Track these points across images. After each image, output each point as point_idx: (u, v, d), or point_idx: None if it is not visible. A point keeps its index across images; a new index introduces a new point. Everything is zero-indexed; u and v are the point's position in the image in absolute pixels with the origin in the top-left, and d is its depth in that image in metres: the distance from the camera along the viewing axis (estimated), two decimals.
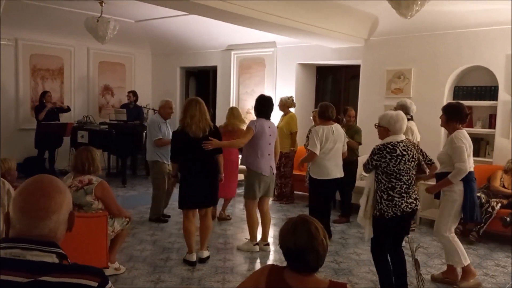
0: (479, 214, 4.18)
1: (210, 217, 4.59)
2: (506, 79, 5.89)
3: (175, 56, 9.91)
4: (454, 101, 4.32)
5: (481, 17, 5.88)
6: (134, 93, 9.01)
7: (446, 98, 6.45)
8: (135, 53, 10.02)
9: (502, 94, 5.95)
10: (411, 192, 3.54)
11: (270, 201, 5.33)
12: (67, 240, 1.42)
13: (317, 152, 4.95)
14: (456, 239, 4.05)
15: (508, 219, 5.00)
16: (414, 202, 3.55)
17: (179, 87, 10.05)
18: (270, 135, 4.79)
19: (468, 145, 3.93)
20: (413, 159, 3.53)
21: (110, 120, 8.70)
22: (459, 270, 4.12)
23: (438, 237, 4.18)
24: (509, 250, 5.14)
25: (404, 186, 3.49)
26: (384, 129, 3.58)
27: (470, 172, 3.97)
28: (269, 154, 4.79)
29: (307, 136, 6.79)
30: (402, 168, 3.46)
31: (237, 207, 6.74)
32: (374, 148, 3.56)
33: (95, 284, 1.28)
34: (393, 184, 3.48)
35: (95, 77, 9.45)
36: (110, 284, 1.33)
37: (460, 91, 6.46)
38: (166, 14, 7.59)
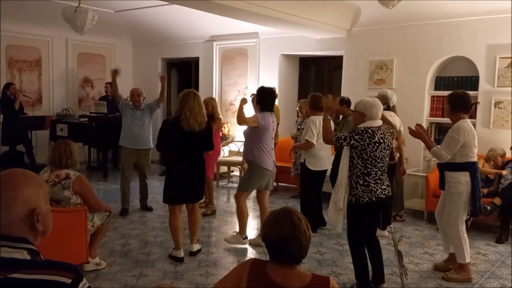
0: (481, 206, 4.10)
1: (198, 211, 4.54)
2: (487, 69, 5.95)
3: (157, 47, 9.76)
4: (459, 91, 4.15)
5: (462, 8, 5.91)
6: (110, 84, 8.83)
7: (428, 88, 6.49)
8: (116, 44, 9.83)
9: (483, 84, 6.01)
10: (384, 179, 3.60)
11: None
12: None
13: (314, 142, 4.98)
14: (465, 236, 4.01)
15: (488, 207, 5.06)
16: (387, 188, 3.62)
17: None
18: (273, 129, 4.72)
19: (471, 137, 3.87)
20: (388, 148, 3.58)
21: (90, 113, 8.54)
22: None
23: (450, 230, 4.07)
24: (489, 238, 5.22)
25: (379, 172, 3.54)
26: (360, 114, 3.59)
27: (474, 163, 3.94)
28: (272, 148, 4.71)
29: (298, 128, 6.77)
30: (378, 155, 3.49)
31: (221, 200, 6.70)
32: (357, 128, 3.53)
33: (69, 280, 1.23)
34: (369, 170, 3.51)
35: (74, 68, 9.24)
36: (85, 280, 1.28)
37: (441, 81, 6.50)
38: (147, 4, 7.46)
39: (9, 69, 8.31)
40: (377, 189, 3.52)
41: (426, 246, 4.98)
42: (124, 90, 9.33)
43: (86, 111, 8.82)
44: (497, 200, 5.16)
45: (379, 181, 3.53)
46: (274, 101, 4.75)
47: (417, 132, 3.96)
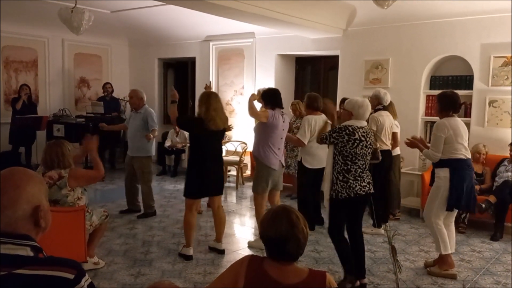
0: (471, 203, 4.10)
1: (222, 209, 4.62)
2: (481, 68, 6.00)
3: (153, 47, 9.77)
4: (448, 90, 4.27)
5: (456, 7, 5.96)
6: (110, 85, 8.88)
7: (423, 87, 6.53)
8: (112, 44, 9.83)
9: (477, 83, 6.06)
10: (365, 176, 3.67)
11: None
12: (44, 235, 1.38)
13: (306, 141, 5.03)
14: (441, 228, 4.07)
15: (483, 205, 5.11)
16: (368, 186, 3.68)
17: (157, 78, 9.93)
18: (283, 130, 4.71)
19: (453, 133, 3.93)
20: (370, 146, 3.67)
21: (87, 113, 8.55)
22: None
23: (426, 220, 4.26)
24: (484, 236, 5.27)
25: (359, 170, 3.62)
26: (348, 112, 3.70)
27: (459, 160, 3.97)
28: (279, 148, 4.69)
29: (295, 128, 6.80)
30: (358, 152, 3.58)
31: None
32: (335, 127, 3.70)
33: (71, 276, 1.26)
34: (349, 167, 3.60)
35: (70, 69, 9.24)
36: (87, 276, 1.31)
37: (436, 81, 6.55)
38: (143, 4, 7.47)
39: (5, 69, 8.30)
40: (356, 186, 3.60)
41: (421, 244, 5.02)
42: (120, 90, 9.40)
43: (83, 112, 8.82)
44: (492, 198, 5.21)
45: (358, 178, 3.62)
46: (279, 96, 4.72)
47: (411, 143, 4.26)
